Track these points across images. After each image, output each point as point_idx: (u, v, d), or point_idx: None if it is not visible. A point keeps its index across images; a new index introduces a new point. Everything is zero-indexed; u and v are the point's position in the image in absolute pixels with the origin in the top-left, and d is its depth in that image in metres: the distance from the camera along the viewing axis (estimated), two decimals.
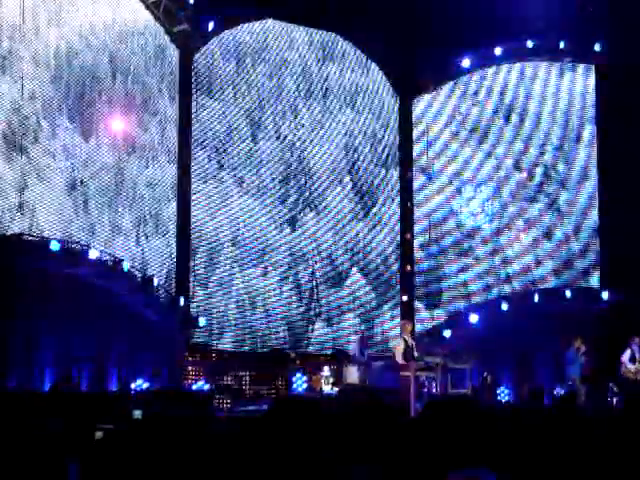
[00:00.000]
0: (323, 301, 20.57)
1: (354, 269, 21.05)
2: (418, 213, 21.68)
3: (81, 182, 17.41)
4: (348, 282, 20.90)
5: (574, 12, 20.23)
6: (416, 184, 21.74)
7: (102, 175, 17.76)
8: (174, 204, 18.87)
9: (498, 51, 21.75)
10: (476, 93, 22.27)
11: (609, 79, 21.76)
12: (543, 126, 22.40)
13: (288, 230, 20.30)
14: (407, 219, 21.61)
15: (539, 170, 22.31)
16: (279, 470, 2.63)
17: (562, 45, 21.89)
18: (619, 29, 20.33)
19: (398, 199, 21.59)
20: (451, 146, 22.01)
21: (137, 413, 10.32)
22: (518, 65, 22.36)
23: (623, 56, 20.71)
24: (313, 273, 20.50)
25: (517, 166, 22.21)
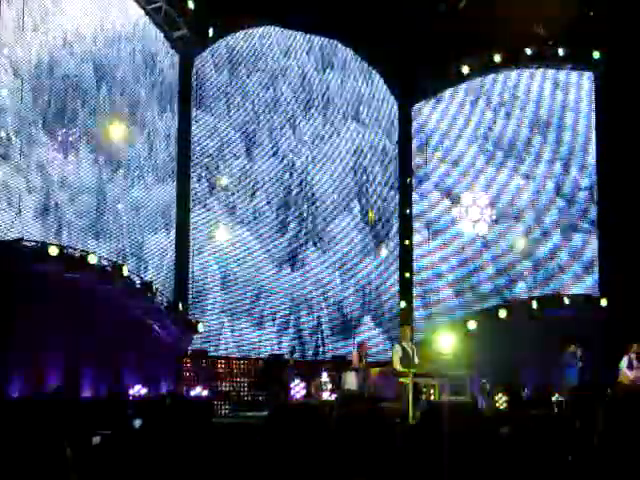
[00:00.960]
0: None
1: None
2: (418, 223, 21.67)
3: (56, 205, 16.16)
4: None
5: (573, 18, 20.24)
6: (415, 196, 21.68)
7: (81, 197, 16.40)
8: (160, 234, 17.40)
9: (497, 58, 21.77)
10: (476, 100, 22.27)
11: (608, 86, 21.77)
12: (541, 131, 22.41)
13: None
14: (407, 224, 21.53)
15: (539, 174, 22.31)
16: (280, 476, 2.62)
17: (561, 52, 21.92)
18: (619, 36, 20.34)
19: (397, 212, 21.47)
20: (451, 153, 22.01)
21: (137, 423, 10.26)
22: (517, 72, 22.39)
23: (623, 63, 20.72)
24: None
25: (516, 171, 22.22)
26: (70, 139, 16.41)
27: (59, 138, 16.27)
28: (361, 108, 20.49)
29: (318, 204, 19.17)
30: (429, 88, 21.96)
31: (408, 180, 21.65)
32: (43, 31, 16.41)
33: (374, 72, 21.21)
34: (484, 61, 21.77)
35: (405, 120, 21.86)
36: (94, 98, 16.93)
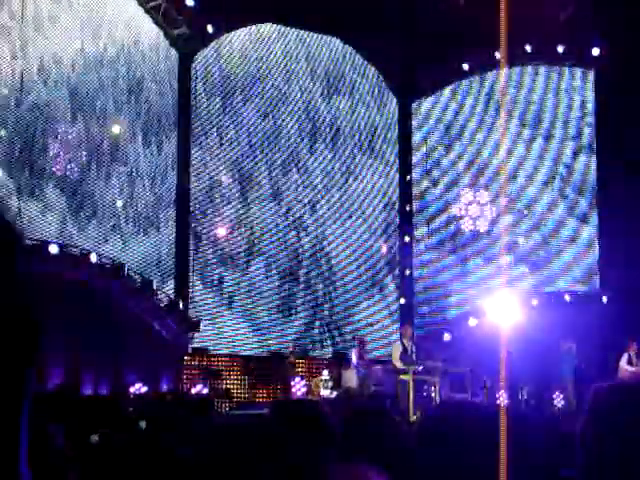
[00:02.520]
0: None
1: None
2: (418, 217, 21.68)
3: None
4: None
5: (573, 15, 20.23)
6: (416, 190, 21.69)
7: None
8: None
9: (498, 54, 21.76)
10: (476, 97, 22.28)
11: (608, 83, 21.76)
12: (543, 130, 22.41)
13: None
14: (408, 218, 21.51)
15: (540, 174, 22.31)
16: (280, 474, 2.62)
17: (561, 49, 21.90)
18: (618, 32, 20.33)
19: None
20: (451, 150, 22.02)
21: (142, 424, 10.23)
22: (517, 69, 22.40)
23: (622, 60, 20.70)
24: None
25: (518, 169, 22.23)
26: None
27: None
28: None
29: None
30: (429, 84, 21.97)
31: (408, 177, 21.65)
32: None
33: (390, 94, 19.71)
34: (484, 58, 21.76)
35: (405, 117, 21.87)
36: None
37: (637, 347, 16.53)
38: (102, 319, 16.17)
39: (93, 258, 16.47)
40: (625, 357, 16.51)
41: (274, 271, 17.16)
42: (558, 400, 17.60)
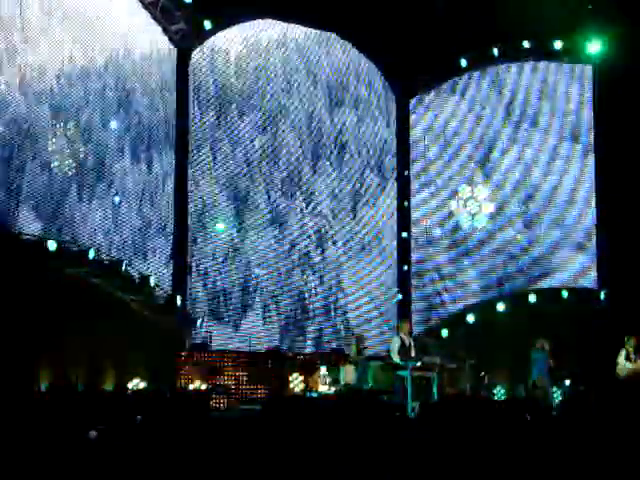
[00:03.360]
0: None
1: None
2: (415, 214, 21.67)
3: None
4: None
5: (572, 11, 20.21)
6: (413, 187, 21.67)
7: None
8: None
9: (496, 51, 21.75)
10: (474, 94, 22.26)
11: (607, 80, 21.73)
12: (541, 126, 22.39)
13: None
14: (404, 217, 21.55)
15: (537, 172, 22.29)
16: (276, 468, 2.62)
17: (559, 46, 21.86)
18: (617, 29, 20.32)
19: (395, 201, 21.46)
20: (448, 148, 22.00)
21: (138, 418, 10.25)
22: (516, 65, 22.37)
23: (621, 56, 20.69)
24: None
25: (516, 165, 22.21)
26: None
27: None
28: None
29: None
30: (428, 81, 21.96)
31: (406, 172, 21.65)
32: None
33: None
34: (483, 54, 21.76)
35: (403, 113, 21.86)
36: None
37: (635, 343, 16.52)
38: (99, 315, 16.16)
39: (91, 255, 16.47)
40: (623, 353, 16.49)
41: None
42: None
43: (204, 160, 14.53)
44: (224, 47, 16.53)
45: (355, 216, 16.11)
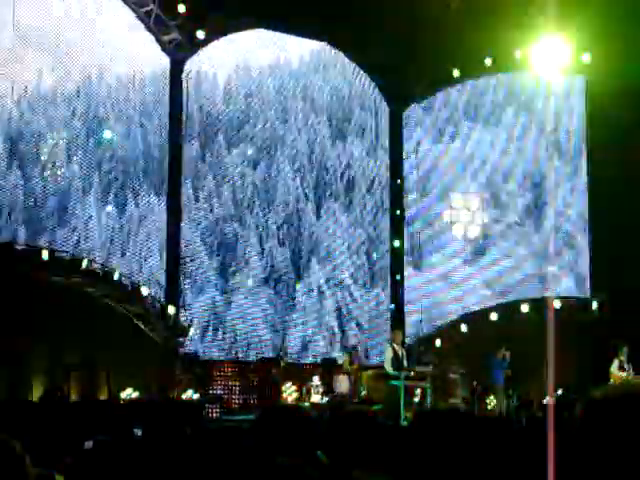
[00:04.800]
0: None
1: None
2: (408, 224, 21.71)
3: None
4: None
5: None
6: (409, 198, 21.68)
7: None
8: None
9: (488, 61, 21.81)
10: (466, 103, 22.35)
11: (598, 91, 21.81)
12: (533, 136, 22.49)
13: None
14: (398, 229, 21.57)
15: (529, 181, 22.37)
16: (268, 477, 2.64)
17: (551, 56, 21.92)
18: (607, 40, 20.40)
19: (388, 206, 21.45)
20: (442, 157, 22.07)
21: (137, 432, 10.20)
22: (507, 75, 22.46)
23: (612, 67, 20.77)
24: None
25: (509, 176, 22.29)
26: None
27: None
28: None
29: None
30: (420, 92, 22.00)
31: (398, 181, 21.68)
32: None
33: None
34: (475, 65, 21.81)
35: (396, 124, 21.91)
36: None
37: (627, 351, 16.54)
38: (92, 324, 16.14)
39: (84, 264, 16.47)
40: (616, 362, 16.50)
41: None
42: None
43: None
44: (211, 72, 14.73)
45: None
